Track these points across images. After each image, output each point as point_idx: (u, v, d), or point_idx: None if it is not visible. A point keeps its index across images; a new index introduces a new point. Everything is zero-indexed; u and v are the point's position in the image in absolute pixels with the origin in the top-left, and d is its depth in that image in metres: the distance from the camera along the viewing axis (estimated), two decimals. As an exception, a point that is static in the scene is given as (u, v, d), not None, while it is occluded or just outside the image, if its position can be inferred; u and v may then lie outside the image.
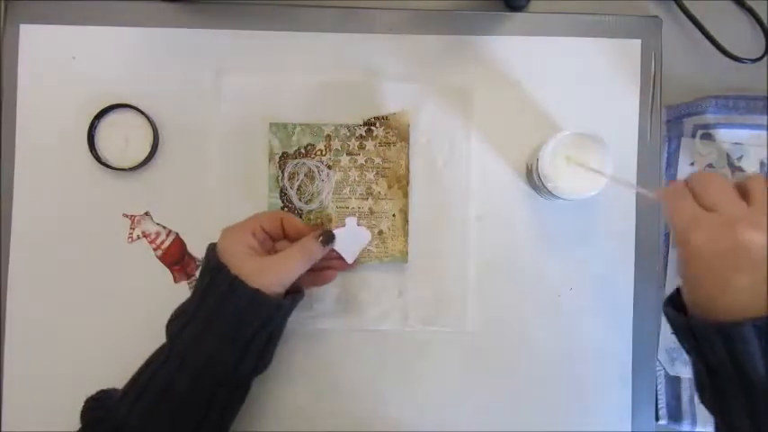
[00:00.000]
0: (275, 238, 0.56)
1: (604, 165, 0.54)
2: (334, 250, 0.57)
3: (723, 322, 0.40)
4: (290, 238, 0.56)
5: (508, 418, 0.61)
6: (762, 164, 0.64)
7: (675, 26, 0.65)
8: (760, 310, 0.39)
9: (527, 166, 0.61)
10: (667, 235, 0.64)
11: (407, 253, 0.61)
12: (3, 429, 0.60)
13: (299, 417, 0.60)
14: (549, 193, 0.56)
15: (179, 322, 0.51)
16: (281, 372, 0.61)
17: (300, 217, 0.61)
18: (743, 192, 0.43)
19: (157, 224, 0.61)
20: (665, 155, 0.64)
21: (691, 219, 0.42)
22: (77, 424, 0.51)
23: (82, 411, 0.51)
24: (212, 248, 0.53)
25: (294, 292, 0.54)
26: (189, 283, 0.61)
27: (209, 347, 0.50)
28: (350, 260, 0.58)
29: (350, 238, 0.57)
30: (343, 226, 0.59)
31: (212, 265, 0.51)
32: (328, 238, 0.55)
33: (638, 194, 0.62)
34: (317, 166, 0.61)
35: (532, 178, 0.59)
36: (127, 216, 0.61)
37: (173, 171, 0.61)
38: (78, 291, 0.60)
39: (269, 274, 0.50)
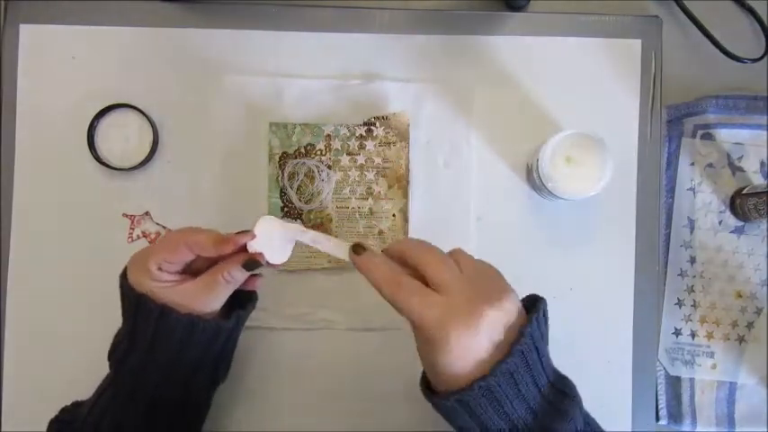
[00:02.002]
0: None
1: (604, 165, 0.55)
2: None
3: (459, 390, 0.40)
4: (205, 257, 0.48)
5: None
6: (762, 164, 0.64)
7: (676, 26, 0.65)
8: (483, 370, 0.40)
9: (527, 166, 0.61)
10: (668, 235, 0.64)
11: (407, 253, 0.61)
12: (3, 429, 0.60)
13: (299, 417, 0.60)
14: (550, 192, 0.56)
15: (119, 352, 0.49)
16: (282, 371, 0.61)
17: (300, 217, 0.61)
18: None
19: (157, 224, 0.61)
20: (665, 155, 0.64)
21: (433, 316, 0.40)
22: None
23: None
24: (125, 279, 0.48)
25: (244, 300, 0.51)
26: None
27: (156, 378, 0.48)
28: (277, 260, 0.48)
29: (272, 238, 0.47)
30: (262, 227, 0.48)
31: (133, 299, 0.47)
32: (250, 264, 0.47)
33: (639, 194, 0.62)
34: (317, 166, 0.61)
35: (532, 178, 0.59)
36: (127, 216, 0.61)
37: (173, 171, 0.61)
38: (78, 291, 0.60)
39: (194, 303, 0.46)
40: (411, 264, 0.44)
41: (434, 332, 0.40)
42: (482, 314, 0.40)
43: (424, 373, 0.46)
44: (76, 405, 0.52)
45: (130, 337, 0.48)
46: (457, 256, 0.45)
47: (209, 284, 0.47)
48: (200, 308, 0.47)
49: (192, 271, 0.49)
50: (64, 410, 0.52)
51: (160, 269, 0.47)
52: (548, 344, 0.45)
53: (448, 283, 0.42)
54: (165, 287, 0.47)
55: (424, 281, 0.43)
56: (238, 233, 0.47)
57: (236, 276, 0.47)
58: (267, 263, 0.47)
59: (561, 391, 0.43)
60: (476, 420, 0.41)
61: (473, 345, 0.40)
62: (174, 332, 0.46)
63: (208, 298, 0.47)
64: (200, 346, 0.48)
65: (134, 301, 0.47)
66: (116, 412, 0.48)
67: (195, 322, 0.47)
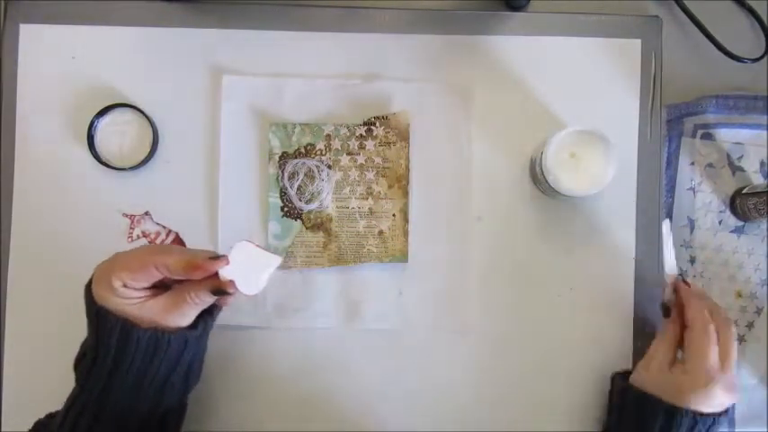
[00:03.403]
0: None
1: (608, 164, 0.54)
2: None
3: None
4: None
5: (508, 417, 0.61)
6: (762, 164, 0.64)
7: (676, 26, 0.65)
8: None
9: (531, 159, 0.61)
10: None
11: (407, 253, 0.61)
12: (3, 430, 0.60)
13: (298, 417, 0.60)
14: (550, 187, 0.56)
15: (84, 366, 0.47)
16: (281, 371, 0.61)
17: (300, 217, 0.61)
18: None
19: (157, 224, 0.61)
20: (665, 154, 0.64)
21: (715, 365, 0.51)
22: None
23: None
24: (89, 290, 0.47)
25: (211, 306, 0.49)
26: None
27: (123, 393, 0.46)
28: (250, 290, 0.46)
29: (247, 266, 0.46)
30: (239, 251, 0.46)
31: (94, 312, 0.46)
32: (218, 291, 0.45)
33: (639, 194, 0.62)
34: (317, 166, 0.61)
35: (535, 172, 0.59)
36: (127, 216, 0.61)
37: (173, 171, 0.61)
38: (78, 291, 0.60)
39: (159, 320, 0.45)
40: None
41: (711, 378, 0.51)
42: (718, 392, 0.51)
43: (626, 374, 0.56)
44: (50, 416, 0.51)
45: (94, 352, 0.47)
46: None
47: (176, 303, 0.46)
48: (166, 324, 0.46)
49: (160, 284, 0.47)
50: (38, 424, 0.51)
51: (125, 286, 0.45)
52: None
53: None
54: (130, 304, 0.45)
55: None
56: (212, 258, 0.45)
57: (205, 299, 0.46)
58: (237, 290, 0.46)
59: None
60: None
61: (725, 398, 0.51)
62: (138, 348, 0.45)
63: (174, 316, 0.46)
64: (168, 360, 0.47)
65: (95, 315, 0.46)
66: (86, 426, 0.47)
67: (159, 337, 0.45)
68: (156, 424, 0.50)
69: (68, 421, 0.47)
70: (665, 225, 0.58)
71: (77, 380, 0.48)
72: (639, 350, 0.61)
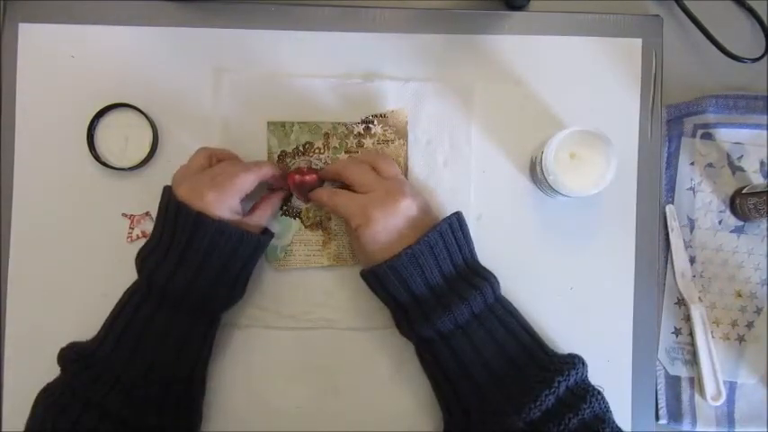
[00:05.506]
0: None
1: (608, 164, 0.54)
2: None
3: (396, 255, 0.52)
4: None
5: (508, 417, 0.61)
6: (762, 163, 0.64)
7: (676, 26, 0.65)
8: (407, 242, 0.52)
9: (531, 159, 0.61)
10: (668, 234, 0.64)
11: (407, 252, 0.61)
12: (3, 430, 0.60)
13: (299, 417, 0.60)
14: (550, 187, 0.56)
15: (151, 260, 0.53)
16: (282, 372, 0.61)
17: (299, 216, 0.61)
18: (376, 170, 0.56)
19: (157, 224, 0.61)
20: (665, 154, 0.64)
21: (358, 205, 0.53)
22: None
23: (63, 359, 0.54)
24: (170, 191, 0.54)
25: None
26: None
27: (184, 281, 0.52)
28: None
29: None
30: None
31: (173, 205, 0.52)
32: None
33: (639, 194, 0.62)
34: (316, 165, 0.61)
35: (536, 172, 0.59)
36: (127, 216, 0.61)
37: (173, 171, 0.61)
38: (78, 290, 0.60)
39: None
40: (343, 180, 0.56)
41: (359, 218, 0.52)
42: (398, 200, 0.53)
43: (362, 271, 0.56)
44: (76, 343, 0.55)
45: (165, 246, 0.53)
46: (378, 163, 0.56)
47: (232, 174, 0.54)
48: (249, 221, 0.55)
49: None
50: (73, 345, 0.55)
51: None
52: (471, 243, 0.56)
53: (368, 184, 0.54)
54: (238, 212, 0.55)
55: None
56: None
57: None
58: None
59: (475, 271, 0.55)
60: (402, 284, 0.52)
61: (394, 222, 0.52)
62: (206, 234, 0.51)
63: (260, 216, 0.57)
64: (226, 253, 0.53)
65: (175, 205, 0.52)
66: (145, 312, 0.52)
67: (224, 226, 0.52)
68: (197, 334, 0.55)
69: (129, 305, 0.53)
70: (669, 209, 0.59)
71: (142, 274, 0.54)
72: (639, 350, 0.61)
